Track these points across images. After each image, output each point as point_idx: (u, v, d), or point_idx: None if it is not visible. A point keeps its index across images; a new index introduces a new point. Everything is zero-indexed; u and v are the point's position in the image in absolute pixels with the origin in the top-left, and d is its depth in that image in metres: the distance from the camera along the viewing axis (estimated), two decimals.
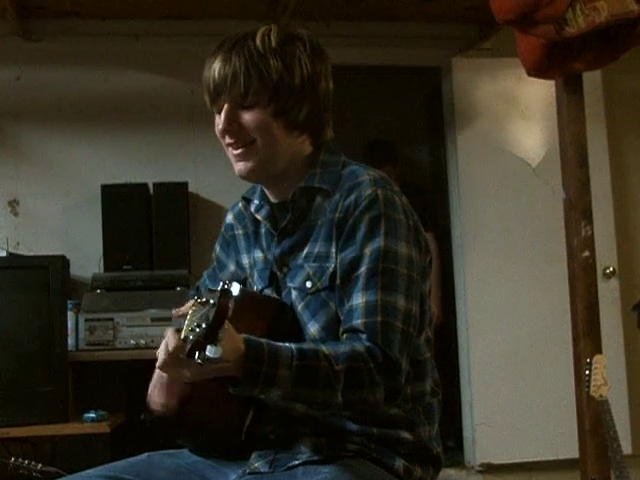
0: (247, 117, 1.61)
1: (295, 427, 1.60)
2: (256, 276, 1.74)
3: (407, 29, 4.64)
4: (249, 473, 1.58)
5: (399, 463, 1.59)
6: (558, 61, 2.85)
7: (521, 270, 4.48)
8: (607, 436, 2.53)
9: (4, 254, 3.86)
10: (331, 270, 1.59)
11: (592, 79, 3.90)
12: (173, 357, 1.36)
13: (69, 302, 3.74)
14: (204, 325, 1.26)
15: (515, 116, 4.64)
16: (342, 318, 1.56)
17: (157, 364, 1.39)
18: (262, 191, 1.75)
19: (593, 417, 2.74)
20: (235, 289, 1.27)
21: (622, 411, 4.13)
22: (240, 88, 1.58)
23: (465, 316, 4.52)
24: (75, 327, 3.73)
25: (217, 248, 1.89)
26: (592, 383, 2.57)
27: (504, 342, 4.41)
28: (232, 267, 1.83)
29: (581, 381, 2.73)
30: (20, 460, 3.09)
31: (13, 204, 4.30)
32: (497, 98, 4.62)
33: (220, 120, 1.63)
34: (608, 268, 4.47)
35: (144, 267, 4.04)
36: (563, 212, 3.00)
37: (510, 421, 4.36)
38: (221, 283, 1.29)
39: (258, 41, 1.60)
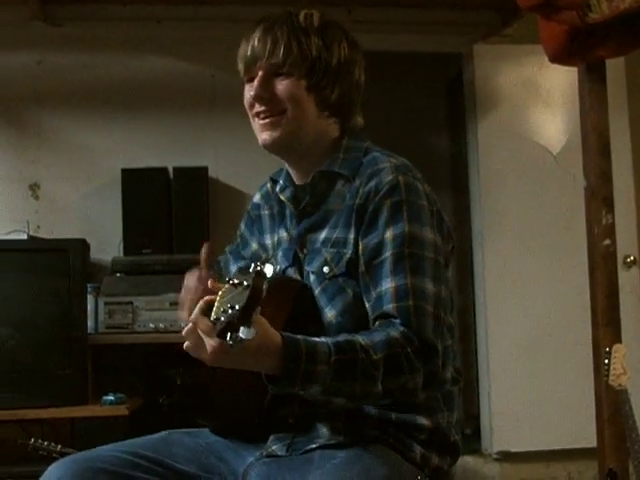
0: (281, 85, 1.62)
1: (313, 411, 1.60)
2: (280, 255, 1.75)
3: (428, 15, 4.60)
4: (266, 456, 1.59)
5: (416, 450, 1.59)
6: (581, 48, 2.82)
7: (541, 258, 4.44)
8: (626, 426, 2.52)
9: (25, 237, 3.88)
10: (348, 256, 1.59)
11: (615, 67, 3.85)
12: (202, 337, 1.35)
13: (89, 285, 3.76)
14: (237, 307, 1.25)
15: (537, 103, 4.59)
16: (369, 305, 1.55)
17: (185, 345, 1.38)
18: (287, 173, 1.75)
19: (612, 406, 2.73)
20: (269, 271, 1.26)
21: None
22: (279, 56, 1.60)
23: (484, 304, 4.49)
24: (94, 310, 3.75)
25: (242, 226, 1.90)
26: (611, 372, 2.55)
27: (523, 330, 4.38)
28: (255, 246, 1.85)
29: (600, 370, 2.71)
30: (40, 441, 3.12)
31: (34, 187, 4.31)
32: (519, 85, 4.58)
33: (252, 87, 1.63)
34: (629, 257, 4.42)
35: (164, 251, 4.05)
36: (584, 200, 2.98)
37: (528, 409, 4.34)
38: (253, 265, 1.27)
39: (301, 19, 1.65)
